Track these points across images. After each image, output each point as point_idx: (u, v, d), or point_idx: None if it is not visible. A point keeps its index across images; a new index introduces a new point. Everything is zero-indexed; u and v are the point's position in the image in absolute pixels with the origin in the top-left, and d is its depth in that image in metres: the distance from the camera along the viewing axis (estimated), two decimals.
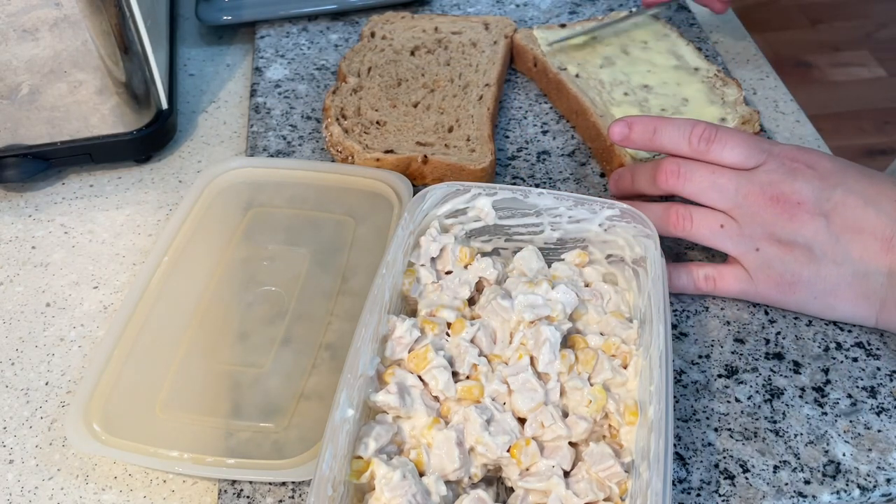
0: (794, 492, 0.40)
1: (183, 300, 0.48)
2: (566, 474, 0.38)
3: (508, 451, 0.38)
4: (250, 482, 0.41)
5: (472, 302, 0.45)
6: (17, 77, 0.52)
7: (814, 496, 0.40)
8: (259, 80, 0.64)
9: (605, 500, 0.37)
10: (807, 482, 0.40)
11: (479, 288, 0.45)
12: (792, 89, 0.65)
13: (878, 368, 0.45)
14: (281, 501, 0.40)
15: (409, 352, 0.41)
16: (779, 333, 0.47)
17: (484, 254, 0.47)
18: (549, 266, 0.46)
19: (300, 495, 0.40)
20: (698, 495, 0.40)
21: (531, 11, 0.71)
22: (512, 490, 0.39)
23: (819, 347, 0.46)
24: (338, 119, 0.57)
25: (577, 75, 0.60)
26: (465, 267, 0.45)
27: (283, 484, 0.41)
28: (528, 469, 0.38)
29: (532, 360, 0.41)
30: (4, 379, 0.47)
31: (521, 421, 0.40)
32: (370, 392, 0.39)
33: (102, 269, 0.53)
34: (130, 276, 0.52)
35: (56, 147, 0.55)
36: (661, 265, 0.43)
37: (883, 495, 0.41)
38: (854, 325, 0.47)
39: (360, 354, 0.38)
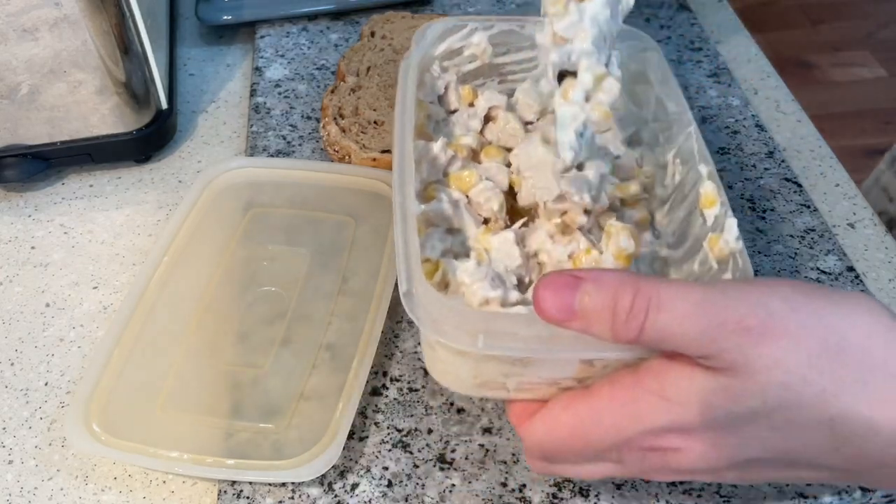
0: (796, 493, 0.40)
1: (183, 300, 0.48)
2: None
3: (570, 258, 0.39)
4: (250, 483, 0.41)
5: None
6: (16, 77, 0.51)
7: (815, 497, 0.40)
8: (259, 80, 0.64)
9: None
10: (808, 483, 0.40)
11: (487, 120, 0.46)
12: (793, 89, 0.65)
13: None
14: (281, 502, 0.40)
15: (445, 175, 0.42)
16: None
17: None
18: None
19: (300, 496, 0.40)
20: (699, 496, 0.40)
21: (531, 11, 0.71)
22: None
23: None
24: (335, 118, 0.57)
25: None
26: (470, 105, 0.46)
27: (283, 484, 0.41)
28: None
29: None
30: (4, 379, 0.47)
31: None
32: (420, 206, 0.38)
33: (102, 270, 0.53)
34: (130, 277, 0.52)
35: (56, 147, 0.55)
36: (665, 67, 0.44)
37: (884, 496, 0.40)
38: None
39: (406, 170, 0.38)
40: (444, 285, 0.37)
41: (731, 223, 0.38)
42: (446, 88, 0.46)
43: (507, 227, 0.42)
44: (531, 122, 0.46)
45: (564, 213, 0.40)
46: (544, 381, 0.34)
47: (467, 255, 0.40)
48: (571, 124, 0.36)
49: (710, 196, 0.39)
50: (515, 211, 0.43)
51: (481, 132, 0.46)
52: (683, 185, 0.42)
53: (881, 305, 0.30)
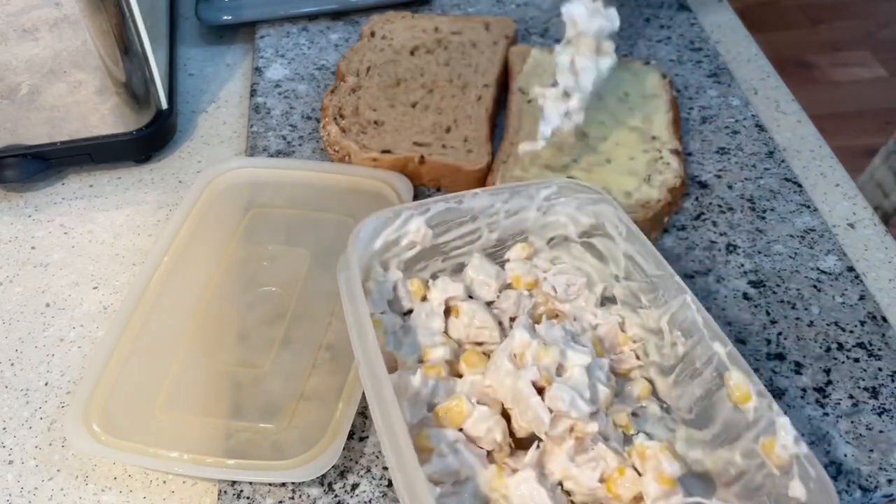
0: None
1: (183, 300, 0.48)
2: None
3: (602, 482, 0.36)
4: (250, 483, 0.41)
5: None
6: (16, 77, 0.51)
7: None
8: (259, 80, 0.64)
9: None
10: None
11: (446, 313, 0.43)
12: (793, 89, 0.65)
13: (880, 369, 0.45)
14: (281, 502, 0.40)
15: (430, 410, 0.38)
16: (780, 334, 0.47)
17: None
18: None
19: (300, 496, 0.40)
20: None
21: (532, 11, 0.71)
22: None
23: (820, 348, 0.46)
24: (335, 118, 0.57)
25: (529, 101, 0.58)
26: (423, 300, 0.43)
27: (283, 485, 0.41)
28: (635, 500, 0.36)
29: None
30: (4, 379, 0.47)
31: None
32: (435, 489, 0.35)
33: (102, 270, 0.53)
34: (130, 277, 0.52)
35: (56, 147, 0.55)
36: (627, 220, 0.42)
37: (885, 496, 0.40)
38: (855, 326, 0.47)
39: (399, 433, 0.33)
40: None
41: (784, 423, 0.35)
42: (394, 289, 0.43)
43: (512, 451, 0.38)
44: (492, 302, 0.44)
45: (572, 429, 0.37)
46: None
47: None
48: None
49: (743, 390, 0.37)
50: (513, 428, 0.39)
51: (446, 331, 0.43)
52: (692, 359, 0.40)
53: None
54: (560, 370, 0.38)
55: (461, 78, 0.61)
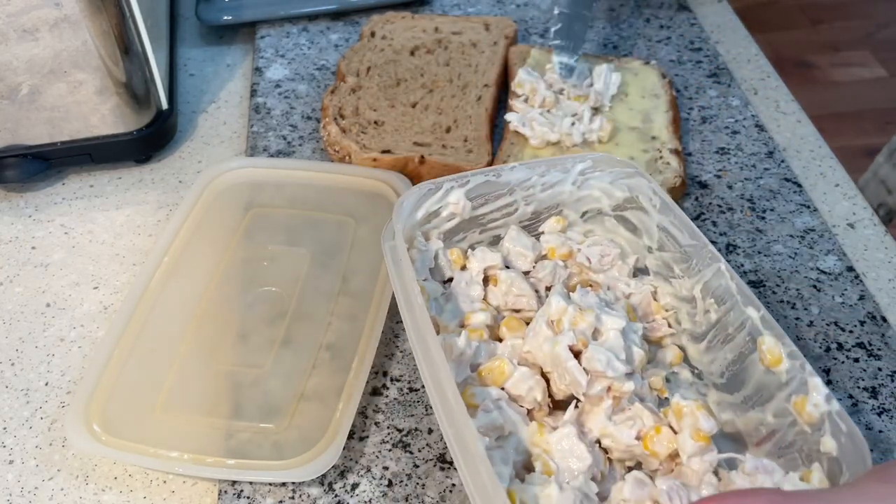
0: None
1: (183, 300, 0.48)
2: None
3: (639, 439, 0.37)
4: (250, 483, 0.41)
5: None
6: (17, 77, 0.52)
7: None
8: (259, 80, 0.64)
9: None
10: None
11: (485, 282, 0.45)
12: (793, 89, 0.65)
13: (880, 369, 0.45)
14: (281, 502, 0.40)
15: (473, 370, 0.40)
16: None
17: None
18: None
19: (300, 496, 0.40)
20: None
21: (532, 11, 0.71)
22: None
23: (820, 348, 0.46)
24: (335, 118, 0.57)
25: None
26: (462, 269, 0.45)
27: (284, 484, 0.41)
28: (671, 457, 0.37)
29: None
30: (4, 379, 0.47)
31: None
32: (484, 439, 0.36)
33: (102, 270, 0.53)
34: (130, 277, 0.52)
35: (56, 147, 0.55)
36: (661, 193, 0.43)
37: None
38: (855, 326, 0.47)
39: (449, 391, 0.35)
40: None
41: (816, 383, 0.36)
42: (435, 258, 0.44)
43: (550, 411, 0.40)
44: (529, 272, 0.45)
45: (609, 389, 0.38)
46: None
47: (529, 464, 0.37)
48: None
49: (775, 354, 0.38)
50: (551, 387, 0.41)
51: (485, 299, 0.44)
52: (724, 325, 0.41)
53: None
54: (595, 334, 0.40)
55: (461, 78, 0.61)
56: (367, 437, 0.43)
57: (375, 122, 0.57)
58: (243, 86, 0.66)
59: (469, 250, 0.46)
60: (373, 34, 0.65)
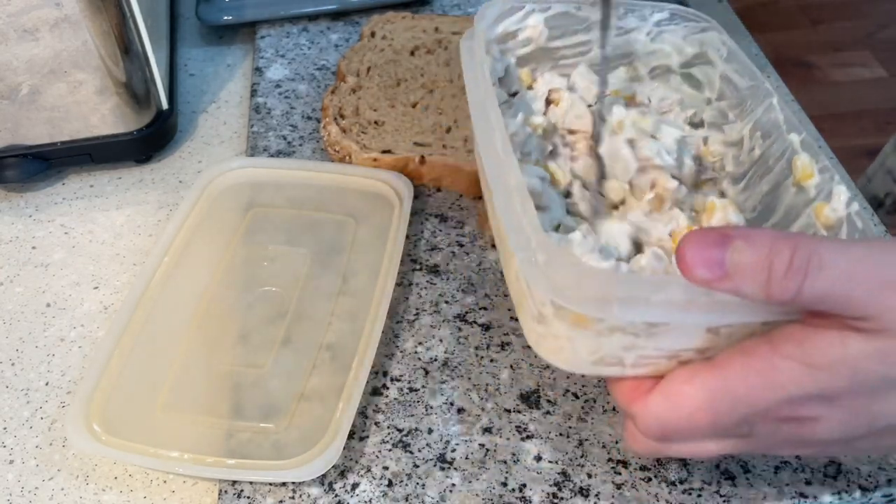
0: (796, 492, 0.40)
1: (183, 300, 0.48)
2: None
3: (670, 236, 0.39)
4: (250, 483, 0.41)
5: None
6: (17, 77, 0.52)
7: (815, 497, 0.40)
8: (259, 80, 0.64)
9: None
10: (808, 483, 0.40)
11: (548, 104, 0.46)
12: (793, 89, 0.65)
13: None
14: (281, 502, 0.40)
15: (524, 155, 0.41)
16: None
17: None
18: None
19: (300, 496, 0.40)
20: (699, 495, 0.40)
21: None
22: None
23: None
24: (336, 119, 0.57)
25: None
26: (529, 88, 0.46)
27: (284, 484, 0.41)
28: None
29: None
30: (4, 379, 0.47)
31: None
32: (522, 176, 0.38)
33: (103, 270, 0.53)
34: (131, 277, 0.52)
35: (56, 147, 0.55)
36: (730, 42, 0.44)
37: (884, 496, 0.41)
38: None
39: (498, 134, 0.36)
40: None
41: (840, 190, 0.36)
42: (506, 71, 0.45)
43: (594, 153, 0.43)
44: (591, 105, 0.46)
45: (653, 185, 0.40)
46: (664, 353, 0.32)
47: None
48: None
49: (807, 169, 0.38)
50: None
51: (545, 114, 0.45)
52: (766, 158, 0.41)
53: None
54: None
55: (461, 78, 0.61)
56: (367, 437, 0.43)
57: (376, 123, 0.57)
58: (243, 86, 0.66)
59: (537, 73, 0.47)
60: (373, 34, 0.65)
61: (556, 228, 0.39)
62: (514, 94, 0.46)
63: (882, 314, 0.27)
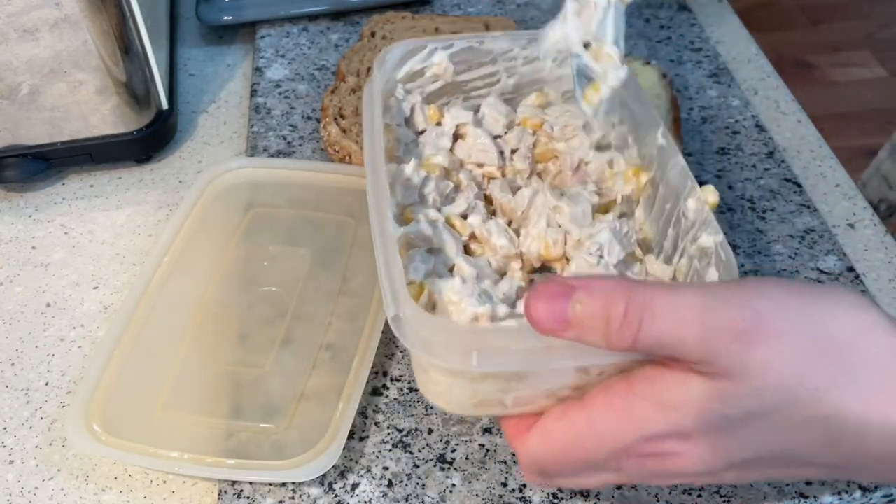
0: (796, 493, 0.40)
1: (183, 300, 0.48)
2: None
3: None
4: (250, 483, 0.41)
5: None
6: (17, 77, 0.52)
7: (815, 497, 0.40)
8: (259, 80, 0.64)
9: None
10: (808, 483, 0.40)
11: (456, 138, 0.46)
12: (793, 89, 0.65)
13: None
14: (281, 502, 0.40)
15: (420, 197, 0.42)
16: None
17: None
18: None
19: (300, 496, 0.40)
20: (699, 496, 0.40)
21: (532, 11, 0.71)
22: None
23: None
24: (336, 119, 0.57)
25: None
26: (437, 124, 0.47)
27: (284, 484, 0.41)
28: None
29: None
30: (4, 379, 0.47)
31: None
32: (400, 229, 0.39)
33: (103, 270, 0.53)
34: (131, 277, 0.52)
35: (56, 147, 0.55)
36: (626, 71, 0.43)
37: (884, 496, 0.40)
38: None
39: (381, 194, 0.38)
40: (431, 307, 0.37)
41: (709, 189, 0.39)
42: (412, 110, 0.46)
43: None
44: (499, 136, 0.47)
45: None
46: (541, 392, 0.34)
47: (451, 274, 0.40)
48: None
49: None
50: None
51: (451, 150, 0.46)
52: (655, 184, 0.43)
53: (864, 298, 0.30)
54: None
55: None
56: (367, 437, 0.43)
57: None
58: (243, 86, 0.66)
59: (446, 108, 0.47)
60: (373, 34, 0.65)
61: (451, 270, 0.40)
62: (421, 133, 0.47)
63: (714, 359, 0.29)
